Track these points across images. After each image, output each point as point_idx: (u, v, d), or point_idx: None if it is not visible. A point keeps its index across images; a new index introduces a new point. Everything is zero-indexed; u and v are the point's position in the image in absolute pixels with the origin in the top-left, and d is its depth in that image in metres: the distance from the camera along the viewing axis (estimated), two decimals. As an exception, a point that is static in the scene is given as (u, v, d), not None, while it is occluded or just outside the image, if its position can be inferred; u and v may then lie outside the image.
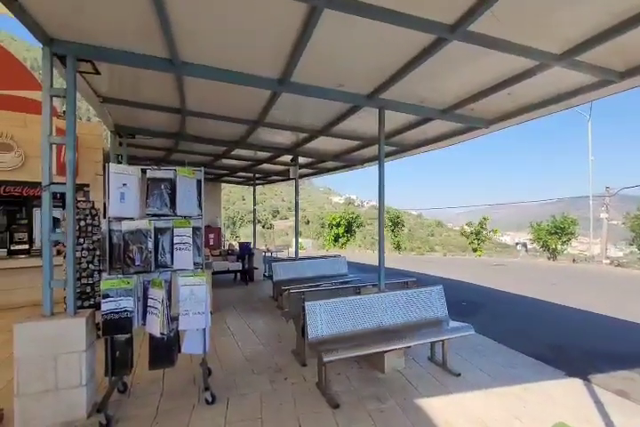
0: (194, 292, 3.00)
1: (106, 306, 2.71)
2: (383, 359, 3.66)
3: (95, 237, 4.63)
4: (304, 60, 3.06)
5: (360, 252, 23.28)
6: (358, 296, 3.79)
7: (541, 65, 3.04)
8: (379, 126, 4.17)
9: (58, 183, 2.88)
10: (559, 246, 18.25)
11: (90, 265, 4.54)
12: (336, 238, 24.92)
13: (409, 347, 3.59)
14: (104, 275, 2.96)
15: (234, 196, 56.26)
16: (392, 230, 24.08)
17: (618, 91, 3.39)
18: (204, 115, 4.83)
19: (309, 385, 3.36)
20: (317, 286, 6.20)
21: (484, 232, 20.93)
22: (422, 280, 4.96)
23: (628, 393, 3.42)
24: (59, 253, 4.41)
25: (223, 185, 14.74)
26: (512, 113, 4.33)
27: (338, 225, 24.79)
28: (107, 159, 6.71)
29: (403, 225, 25.54)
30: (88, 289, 4.46)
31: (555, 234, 18.21)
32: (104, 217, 3.42)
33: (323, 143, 6.37)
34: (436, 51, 2.83)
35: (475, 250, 21.02)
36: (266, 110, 4.52)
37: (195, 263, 3.26)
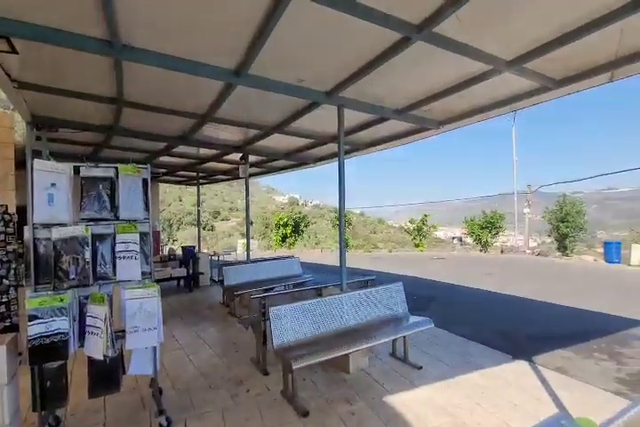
0: (143, 306, 2.66)
1: (33, 329, 2.26)
2: (348, 360, 3.62)
3: (10, 248, 3.93)
4: (265, 50, 2.85)
5: (307, 251, 23.33)
6: (322, 298, 3.70)
7: (493, 70, 3.23)
8: (338, 125, 4.11)
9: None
10: (489, 239, 20.10)
11: (4, 280, 3.84)
12: (283, 239, 24.66)
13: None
14: (28, 292, 2.49)
15: (169, 196, 52.81)
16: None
17: (556, 96, 3.73)
18: (144, 106, 4.32)
19: (274, 395, 3.18)
20: (272, 289, 6.02)
21: (425, 228, 22.27)
22: (377, 278, 5.03)
23: (567, 370, 3.82)
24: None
25: (160, 185, 13.70)
26: (462, 115, 4.57)
27: (285, 225, 24.55)
28: (20, 156, 5.76)
29: (350, 224, 26.12)
30: (2, 309, 3.76)
31: (486, 228, 20.03)
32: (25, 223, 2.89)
33: (275, 141, 6.16)
34: (400, 50, 2.84)
35: (417, 245, 22.27)
36: (217, 104, 4.19)
37: (142, 273, 2.91)
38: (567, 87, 3.48)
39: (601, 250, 15.89)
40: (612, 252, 14.18)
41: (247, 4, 2.33)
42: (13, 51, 2.84)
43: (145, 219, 3.06)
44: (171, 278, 7.96)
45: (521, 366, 3.88)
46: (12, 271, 3.93)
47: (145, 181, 3.08)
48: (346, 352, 3.21)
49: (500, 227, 20.14)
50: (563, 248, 17.93)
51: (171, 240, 33.23)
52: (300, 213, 27.47)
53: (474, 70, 3.33)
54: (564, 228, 17.75)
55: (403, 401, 3.06)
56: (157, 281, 7.21)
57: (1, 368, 2.20)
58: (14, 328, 3.76)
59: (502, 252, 19.16)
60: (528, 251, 18.67)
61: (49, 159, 4.99)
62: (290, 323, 3.31)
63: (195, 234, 10.88)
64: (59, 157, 7.07)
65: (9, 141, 6.44)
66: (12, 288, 3.89)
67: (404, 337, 3.82)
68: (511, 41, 2.81)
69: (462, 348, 4.39)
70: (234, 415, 2.84)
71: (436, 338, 4.70)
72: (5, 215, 4.06)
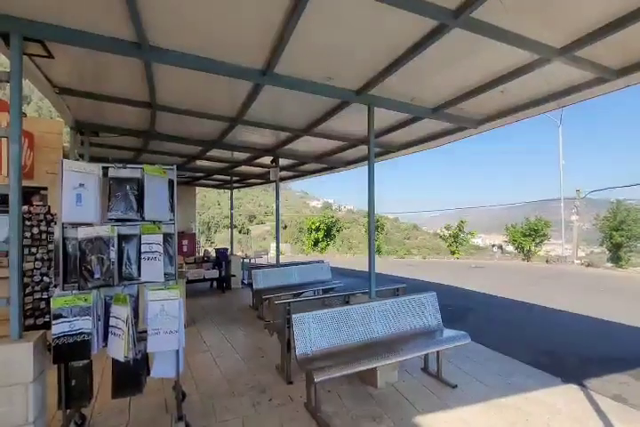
0: (165, 308, 2.62)
1: (57, 328, 2.29)
2: (376, 373, 3.39)
3: (51, 246, 4.13)
4: (290, 48, 2.77)
5: (340, 256, 23.10)
6: (349, 306, 3.51)
7: (541, 59, 2.90)
8: (368, 124, 3.93)
9: (-1, 184, 2.45)
10: (533, 248, 18.79)
11: (44, 277, 4.03)
12: (315, 243, 24.64)
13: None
14: (56, 291, 2.54)
15: (209, 200, 54.91)
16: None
17: (612, 89, 3.31)
18: (176, 110, 4.42)
19: (297, 406, 3.03)
20: (301, 294, 5.91)
21: (462, 235, 21.29)
22: (410, 285, 4.75)
23: (626, 398, 3.33)
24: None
25: (198, 189, 14.16)
26: (502, 113, 4.23)
27: (317, 229, 24.54)
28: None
29: (382, 229, 25.62)
30: (42, 305, 3.94)
31: (529, 236, 18.75)
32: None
33: (305, 144, 6.10)
34: (435, 40, 2.62)
35: (453, 252, 21.32)
36: (246, 106, 4.18)
37: (166, 274, 2.89)
38: (629, 77, 3.05)
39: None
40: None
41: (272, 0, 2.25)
42: (49, 55, 2.96)
43: (170, 220, 3.06)
44: (204, 280, 8.10)
45: (571, 390, 3.44)
46: (52, 269, 4.11)
47: (171, 183, 3.09)
48: (373, 366, 2.99)
49: (544, 235, 18.76)
50: (616, 259, 16.36)
51: (208, 242, 34.43)
52: (332, 217, 27.34)
53: (518, 61, 3.02)
54: (619, 237, 16.22)
55: (434, 424, 2.78)
56: (191, 282, 7.46)
57: (26, 366, 2.23)
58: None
59: (547, 261, 17.79)
60: (577, 261, 17.19)
61: (82, 160, 5.26)
62: (314, 331, 3.15)
63: (231, 237, 11.09)
64: (102, 161, 7.49)
65: (58, 146, 6.90)
66: (52, 285, 4.07)
67: (438, 352, 3.53)
68: (562, 25, 2.50)
69: (502, 366, 3.99)
70: (255, 426, 2.72)
71: (473, 353, 4.33)
72: (48, 215, 4.27)
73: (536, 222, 18.95)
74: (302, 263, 7.47)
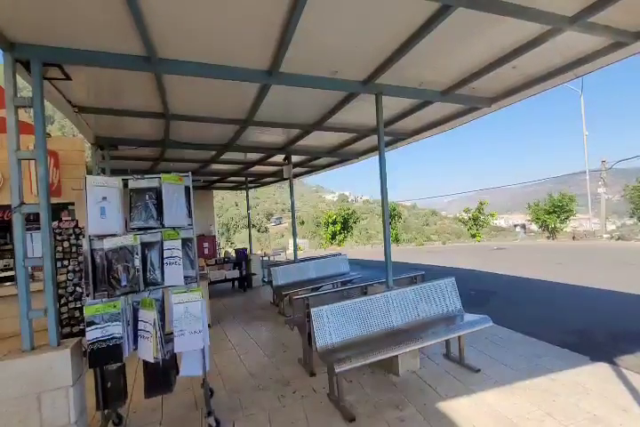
0: (189, 309, 2.75)
1: (91, 334, 2.45)
2: (397, 361, 3.45)
3: (81, 258, 4.36)
4: (293, 46, 2.80)
5: (358, 248, 23.09)
6: (366, 297, 3.56)
7: (552, 30, 2.79)
8: (377, 114, 3.91)
9: (29, 204, 2.63)
10: (558, 225, 18.20)
11: (77, 288, 4.27)
12: (333, 236, 24.71)
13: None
14: (87, 300, 2.71)
15: (227, 202, 55.80)
16: (389, 222, 23.89)
17: (630, 54, 3.14)
18: (188, 117, 4.56)
19: (320, 397, 3.13)
20: (320, 287, 6.00)
21: (482, 217, 20.85)
22: (428, 272, 4.75)
23: (660, 375, 3.25)
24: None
25: (215, 192, 14.45)
26: (516, 88, 4.08)
27: (334, 223, 24.58)
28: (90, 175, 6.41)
29: (399, 217, 25.39)
30: (77, 313, 4.19)
31: (553, 213, 18.16)
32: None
33: (316, 139, 6.12)
34: (438, 22, 2.57)
35: (473, 235, 20.95)
36: (255, 107, 4.25)
37: (188, 277, 3.03)
38: None
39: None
40: None
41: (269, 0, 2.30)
42: (67, 77, 3.13)
43: (189, 225, 3.18)
44: (225, 280, 8.33)
45: (602, 369, 3.39)
46: (83, 280, 4.35)
47: (187, 189, 3.21)
48: (393, 354, 3.04)
49: (570, 210, 18.13)
50: (651, 231, 15.64)
51: (228, 243, 35.08)
52: (348, 209, 27.29)
53: (527, 34, 2.91)
54: (652, 207, 15.46)
55: (458, 408, 2.82)
56: (213, 283, 7.70)
57: (66, 371, 2.41)
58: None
59: (574, 238, 17.22)
60: (606, 235, 16.54)
61: (104, 174, 5.49)
62: (333, 323, 3.23)
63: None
64: (122, 173, 7.76)
65: (80, 163, 7.24)
66: (84, 295, 4.31)
67: (459, 337, 3.54)
68: None
69: (528, 348, 3.97)
70: (280, 418, 2.84)
71: (497, 337, 4.31)
72: (76, 229, 4.50)
73: (560, 198, 18.31)
74: (320, 258, 7.56)
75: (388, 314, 3.56)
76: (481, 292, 7.13)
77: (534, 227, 20.60)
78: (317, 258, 7.55)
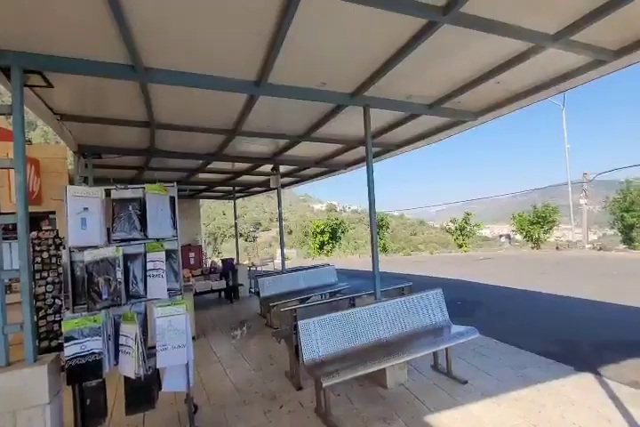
0: (172, 323, 2.69)
1: (70, 350, 2.37)
2: (385, 373, 3.42)
3: (61, 270, 4.23)
4: (281, 57, 2.82)
5: (346, 258, 23.08)
6: (354, 309, 3.55)
7: (535, 47, 2.90)
8: (365, 126, 3.96)
9: (6, 213, 2.55)
10: (542, 235, 18.63)
11: (56, 300, 4.13)
12: (321, 246, 24.66)
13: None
14: (67, 314, 2.62)
15: (214, 211, 55.24)
16: (377, 233, 24.01)
17: (610, 71, 3.30)
18: (175, 127, 4.52)
19: (308, 412, 3.07)
20: (308, 298, 5.95)
21: (468, 227, 21.18)
22: (416, 283, 4.77)
23: (642, 384, 3.31)
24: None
25: (202, 201, 14.31)
26: (501, 103, 4.21)
27: (322, 232, 24.56)
28: (72, 183, 6.27)
29: (387, 227, 25.56)
30: (56, 327, 4.04)
31: (537, 223, 18.60)
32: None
33: (304, 149, 6.16)
34: (425, 38, 2.64)
35: (460, 246, 21.21)
36: (243, 117, 4.26)
37: (172, 290, 2.97)
38: (626, 57, 3.02)
39: (677, 241, 14.09)
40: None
41: (258, 11, 2.31)
42: (49, 85, 3.08)
43: (173, 236, 3.14)
44: (211, 291, 8.17)
45: (585, 379, 3.44)
46: (63, 292, 4.21)
47: (172, 199, 3.17)
48: (380, 367, 3.02)
49: (553, 221, 18.61)
50: (629, 240, 16.15)
51: (215, 253, 34.58)
52: (337, 219, 27.36)
53: (511, 51, 3.02)
54: (630, 218, 16.01)
55: (445, 421, 2.80)
56: (199, 294, 7.54)
57: (42, 388, 2.31)
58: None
59: (558, 248, 17.63)
60: (588, 245, 17.01)
61: (87, 184, 5.38)
62: (320, 336, 3.20)
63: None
64: (105, 181, 7.65)
65: (63, 171, 7.08)
66: (63, 308, 4.17)
67: (446, 349, 3.55)
68: (553, 11, 2.47)
69: (514, 359, 3.99)
70: (267, 434, 2.77)
71: (484, 348, 4.33)
72: (56, 239, 4.38)
73: (543, 209, 18.80)
74: (308, 268, 7.52)
75: (376, 326, 3.55)
76: (468, 302, 7.19)
77: (519, 237, 21.01)
78: (305, 268, 7.51)
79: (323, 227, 24.67)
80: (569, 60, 3.24)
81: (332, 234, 24.67)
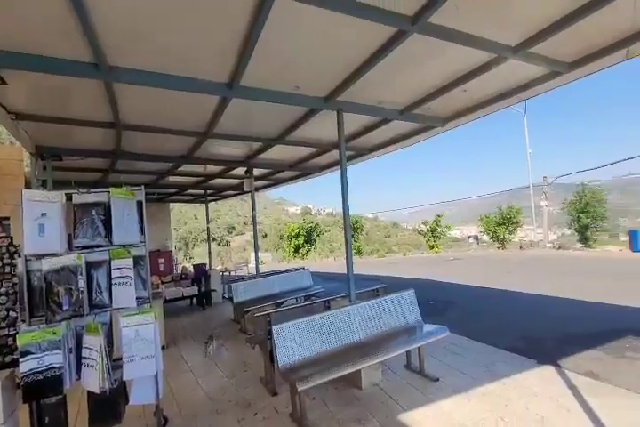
0: (140, 333, 2.59)
1: (26, 366, 2.21)
2: (360, 375, 3.45)
3: (15, 280, 3.96)
4: (255, 59, 2.80)
5: (322, 261, 23.13)
6: (329, 312, 3.56)
7: (498, 58, 3.05)
8: (338, 130, 4.00)
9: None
10: (507, 235, 19.55)
11: (10, 312, 3.85)
12: (296, 249, 24.58)
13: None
14: (23, 326, 2.45)
15: (185, 215, 53.70)
16: (352, 236, 24.23)
17: (565, 82, 3.53)
18: (143, 128, 4.36)
19: (283, 418, 3.04)
20: (282, 303, 5.90)
21: (439, 229, 21.84)
22: (390, 284, 4.86)
23: (597, 374, 3.54)
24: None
25: (172, 204, 13.88)
26: (467, 109, 4.39)
27: (297, 236, 24.50)
28: (28, 187, 5.90)
29: (362, 230, 25.87)
30: (10, 341, 3.76)
31: (502, 224, 19.51)
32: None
33: (278, 153, 6.13)
34: (395, 46, 2.72)
35: (431, 247, 21.82)
36: (215, 119, 4.17)
37: (140, 298, 2.85)
38: (579, 70, 3.26)
39: (626, 238, 15.20)
40: (638, 240, 13.52)
41: (231, 11, 2.28)
42: (3, 82, 2.88)
43: (141, 242, 3.02)
44: (183, 298, 7.92)
45: (547, 371, 3.63)
46: (19, 304, 3.94)
47: (140, 204, 3.05)
48: (355, 369, 3.04)
49: (517, 222, 19.61)
50: (584, 240, 17.27)
51: (187, 258, 33.60)
52: (312, 222, 27.38)
53: (476, 61, 3.17)
54: (585, 218, 17.14)
55: (418, 419, 2.86)
56: (169, 301, 7.28)
57: (-6, 408, 2.15)
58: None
59: (521, 248, 18.58)
60: (549, 245, 18.03)
61: (45, 188, 5.09)
62: (295, 340, 3.18)
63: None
64: (66, 185, 7.22)
65: (19, 173, 6.63)
66: (19, 320, 3.90)
67: (419, 348, 3.63)
68: (514, 24, 2.64)
69: (482, 355, 4.15)
70: (241, 443, 2.71)
71: (455, 345, 4.47)
72: (11, 247, 4.10)
73: (507, 211, 19.74)
74: (282, 272, 7.46)
75: (350, 328, 3.57)
76: (439, 301, 7.39)
77: (486, 237, 21.93)
78: (280, 272, 7.45)
79: (298, 230, 24.62)
80: (529, 71, 3.44)
81: (307, 237, 24.66)
